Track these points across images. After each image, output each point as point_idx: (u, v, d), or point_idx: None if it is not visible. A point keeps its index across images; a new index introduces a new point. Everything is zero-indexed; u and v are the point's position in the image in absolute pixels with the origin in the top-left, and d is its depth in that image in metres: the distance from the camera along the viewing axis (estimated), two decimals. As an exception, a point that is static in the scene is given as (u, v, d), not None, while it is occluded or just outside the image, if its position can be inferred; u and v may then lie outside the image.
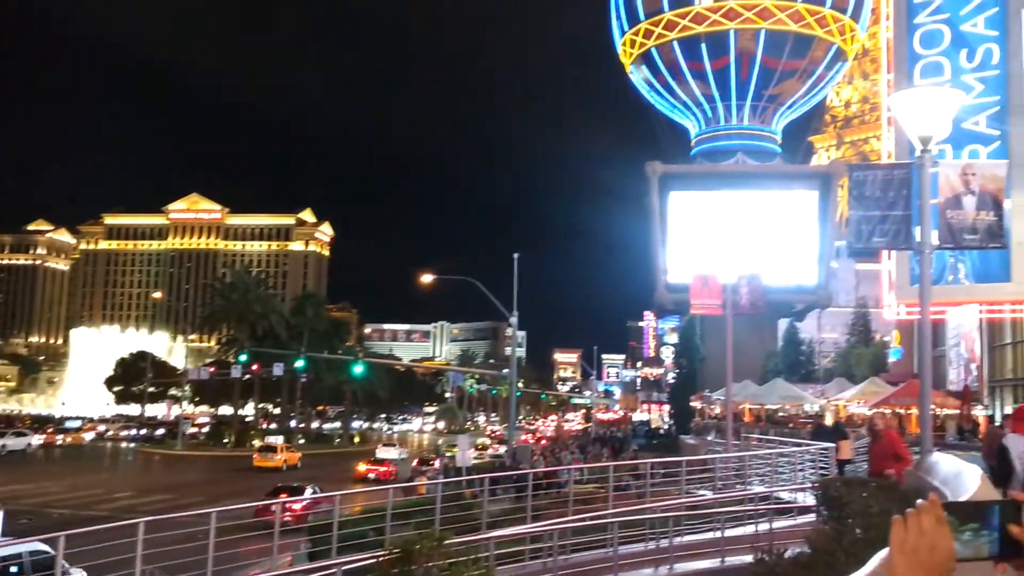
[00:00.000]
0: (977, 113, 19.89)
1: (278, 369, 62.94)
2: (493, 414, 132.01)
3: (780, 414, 48.62)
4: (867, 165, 12.35)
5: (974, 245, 11.56)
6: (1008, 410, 29.05)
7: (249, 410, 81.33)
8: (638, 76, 66.49)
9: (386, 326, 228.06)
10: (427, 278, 45.49)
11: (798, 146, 72.94)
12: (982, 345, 31.71)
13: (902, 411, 37.15)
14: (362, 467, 47.68)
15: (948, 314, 24.80)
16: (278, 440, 59.36)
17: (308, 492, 28.37)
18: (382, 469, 46.27)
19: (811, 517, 13.65)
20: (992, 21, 20.11)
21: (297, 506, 24.08)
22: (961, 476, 8.70)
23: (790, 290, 55.80)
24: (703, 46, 60.53)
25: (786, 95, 63.00)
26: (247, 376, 65.06)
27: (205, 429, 78.76)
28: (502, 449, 52.01)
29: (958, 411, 31.00)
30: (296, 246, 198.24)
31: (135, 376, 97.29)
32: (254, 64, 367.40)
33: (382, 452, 55.81)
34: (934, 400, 31.53)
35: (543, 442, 68.62)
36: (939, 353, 36.62)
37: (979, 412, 30.79)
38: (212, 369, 75.46)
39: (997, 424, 24.94)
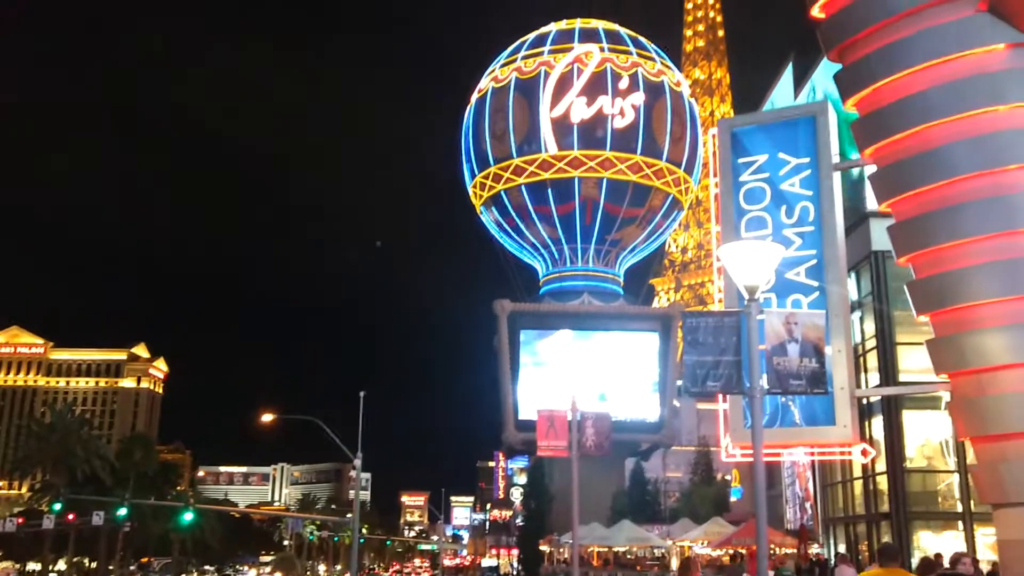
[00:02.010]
0: (798, 265, 21.25)
1: (98, 518, 57.68)
2: (336, 565, 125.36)
3: (628, 556, 48.39)
4: (699, 312, 12.77)
5: (799, 391, 11.94)
6: (842, 548, 29.97)
7: (61, 565, 73.70)
8: (488, 217, 68.29)
9: (222, 468, 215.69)
10: (268, 417, 43.51)
11: (640, 288, 76.22)
12: (815, 484, 32.86)
13: (744, 551, 37.71)
14: None
15: (783, 456, 25.61)
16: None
17: None
18: None
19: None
20: (807, 182, 21.84)
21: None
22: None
23: (636, 429, 56.86)
24: (550, 191, 63.12)
25: (628, 240, 66.07)
26: (62, 527, 59.24)
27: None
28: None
29: (795, 550, 31.68)
30: (127, 383, 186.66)
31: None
32: (86, 190, 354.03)
33: None
34: (773, 539, 32.18)
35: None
36: (775, 493, 37.70)
37: (815, 550, 31.55)
38: (20, 520, 68.27)
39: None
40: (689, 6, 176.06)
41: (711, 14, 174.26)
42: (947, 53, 18.39)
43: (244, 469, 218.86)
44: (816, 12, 20.97)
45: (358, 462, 36.68)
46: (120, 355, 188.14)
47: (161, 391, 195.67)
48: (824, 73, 27.44)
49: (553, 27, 67.07)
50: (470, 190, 68.58)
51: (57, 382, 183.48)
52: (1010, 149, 17.83)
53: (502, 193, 64.91)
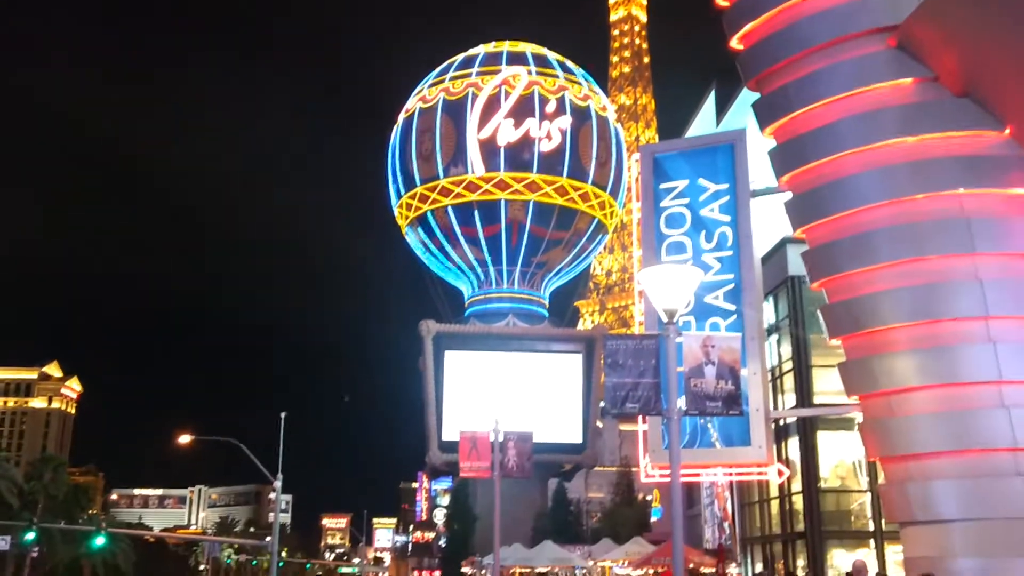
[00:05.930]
0: (716, 289, 21.75)
1: (3, 542, 55.13)
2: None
3: (550, 577, 48.38)
4: (619, 336, 12.96)
5: (716, 412, 12.21)
6: (759, 567, 30.51)
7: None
8: (414, 238, 68.01)
9: (136, 491, 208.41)
10: (185, 439, 42.41)
11: (565, 310, 76.72)
12: (733, 504, 33.39)
13: (662, 569, 38.08)
14: None
15: (702, 476, 26.00)
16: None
17: None
18: None
19: None
20: (725, 207, 22.39)
21: None
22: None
23: (559, 450, 57.07)
24: (476, 213, 63.22)
25: (553, 262, 66.56)
26: (-40, 554, 56.51)
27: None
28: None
29: (714, 569, 32.11)
30: (38, 403, 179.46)
31: None
32: None
33: None
34: (692, 558, 32.59)
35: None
36: (694, 512, 38.22)
37: (733, 570, 32.05)
38: (-83, 545, 64.81)
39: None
40: (615, 32, 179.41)
41: (637, 41, 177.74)
42: (858, 86, 19.10)
43: (160, 491, 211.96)
44: (735, 43, 21.60)
45: (278, 484, 35.89)
46: (31, 374, 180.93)
47: (74, 411, 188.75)
48: (745, 101, 28.23)
49: (481, 49, 67.46)
50: (396, 210, 68.26)
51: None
52: (918, 179, 18.54)
53: (428, 214, 64.78)
